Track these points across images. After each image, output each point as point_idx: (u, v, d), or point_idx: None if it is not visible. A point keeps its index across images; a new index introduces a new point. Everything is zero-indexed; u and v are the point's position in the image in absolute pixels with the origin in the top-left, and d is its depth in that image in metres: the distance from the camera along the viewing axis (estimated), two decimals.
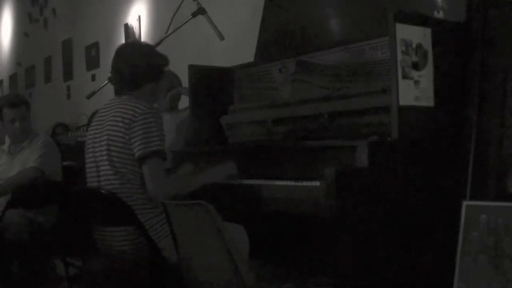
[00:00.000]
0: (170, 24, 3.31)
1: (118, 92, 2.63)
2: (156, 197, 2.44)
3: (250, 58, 3.39)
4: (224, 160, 2.81)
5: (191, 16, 3.24)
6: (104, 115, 2.57)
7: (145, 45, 2.81)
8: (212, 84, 3.34)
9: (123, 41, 6.08)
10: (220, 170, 2.69)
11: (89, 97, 3.33)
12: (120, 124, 2.47)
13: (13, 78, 9.28)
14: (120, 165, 2.47)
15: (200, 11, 3.22)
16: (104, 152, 2.49)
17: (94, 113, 5.45)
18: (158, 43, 3.18)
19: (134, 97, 2.56)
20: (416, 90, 2.37)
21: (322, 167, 2.30)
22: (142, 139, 2.43)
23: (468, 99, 2.50)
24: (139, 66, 2.59)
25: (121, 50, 2.68)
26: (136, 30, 5.89)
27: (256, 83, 3.25)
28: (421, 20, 2.43)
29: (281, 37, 3.23)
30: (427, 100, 2.41)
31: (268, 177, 2.62)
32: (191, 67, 3.31)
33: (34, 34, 8.43)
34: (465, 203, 2.34)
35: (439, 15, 2.59)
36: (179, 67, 3.51)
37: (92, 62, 6.75)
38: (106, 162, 2.49)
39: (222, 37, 3.24)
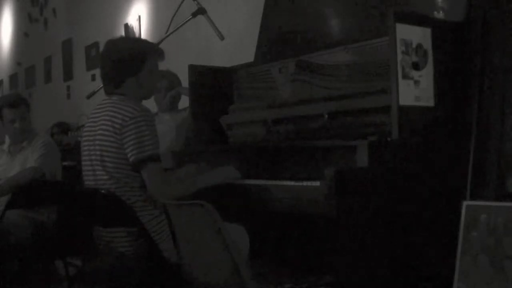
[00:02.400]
0: (170, 24, 3.31)
1: (107, 92, 2.61)
2: (157, 199, 2.43)
3: (250, 58, 3.39)
4: (225, 162, 2.80)
5: (191, 16, 3.24)
6: (96, 118, 2.54)
7: (120, 40, 2.71)
8: (212, 84, 3.34)
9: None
10: (222, 172, 2.67)
11: (89, 97, 3.34)
12: (111, 129, 2.43)
13: (13, 78, 9.28)
14: (114, 170, 2.44)
15: (200, 11, 3.23)
16: (98, 157, 2.47)
17: None
18: (158, 43, 3.18)
19: (123, 97, 2.51)
20: (416, 90, 2.37)
21: (322, 167, 2.30)
22: (134, 144, 2.39)
23: (468, 99, 2.50)
24: (112, 62, 2.53)
25: (103, 50, 2.66)
26: (136, 30, 5.89)
27: (256, 83, 3.25)
28: (421, 20, 2.43)
29: (281, 37, 3.23)
30: (427, 100, 2.41)
31: (268, 177, 2.62)
32: (191, 67, 3.31)
33: (34, 34, 8.43)
34: (465, 203, 2.34)
35: (439, 15, 2.58)
36: (179, 67, 3.52)
37: (92, 62, 6.75)
38: (100, 167, 2.46)
39: (222, 37, 3.24)
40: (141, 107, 2.50)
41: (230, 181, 2.66)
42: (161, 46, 3.12)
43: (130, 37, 2.78)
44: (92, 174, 2.52)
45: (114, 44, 2.64)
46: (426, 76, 2.41)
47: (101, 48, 6.47)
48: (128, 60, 2.54)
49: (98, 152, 2.47)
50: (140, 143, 2.39)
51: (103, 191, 2.44)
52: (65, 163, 4.15)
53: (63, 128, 6.36)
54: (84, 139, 2.60)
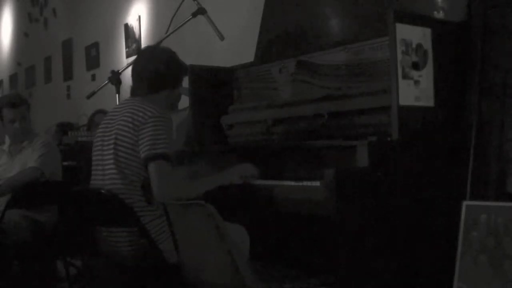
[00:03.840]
0: (170, 24, 3.31)
1: (133, 93, 2.64)
2: (161, 199, 2.41)
3: (250, 58, 3.39)
4: (225, 162, 2.79)
5: (191, 16, 3.24)
6: (116, 115, 2.57)
7: (169, 51, 2.75)
8: (212, 84, 3.34)
9: (123, 41, 6.08)
10: (237, 170, 2.60)
11: (89, 97, 3.33)
12: (130, 125, 2.47)
13: (13, 78, 9.28)
14: (125, 165, 2.46)
15: (200, 11, 3.22)
16: (111, 151, 2.49)
17: (94, 113, 5.47)
18: (158, 43, 3.18)
19: (148, 100, 2.55)
20: (416, 90, 2.37)
21: (322, 167, 2.30)
22: (149, 141, 2.42)
23: (468, 99, 2.50)
24: (161, 71, 2.58)
25: (144, 52, 2.69)
26: (136, 30, 5.89)
27: (256, 83, 3.25)
28: (421, 20, 2.43)
29: (281, 37, 3.23)
30: (427, 100, 2.41)
31: (268, 177, 2.62)
32: (191, 67, 3.31)
33: (34, 34, 8.43)
34: (465, 203, 2.34)
35: (439, 15, 2.59)
36: None
37: (92, 62, 6.75)
38: (112, 161, 2.48)
39: (222, 37, 3.23)
40: (162, 109, 2.54)
41: (247, 179, 2.61)
42: None
43: (173, 50, 2.79)
44: (101, 169, 2.53)
45: (165, 53, 2.67)
46: (426, 76, 2.40)
47: (101, 48, 6.53)
48: (175, 74, 2.64)
49: (112, 146, 2.49)
50: (154, 140, 2.42)
51: (103, 191, 2.45)
52: (65, 163, 4.15)
53: (65, 128, 6.36)
54: (98, 135, 2.61)
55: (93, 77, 6.67)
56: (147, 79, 2.59)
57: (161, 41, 3.22)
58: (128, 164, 2.47)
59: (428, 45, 2.41)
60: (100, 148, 2.56)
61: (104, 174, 2.51)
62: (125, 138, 2.47)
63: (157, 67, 2.58)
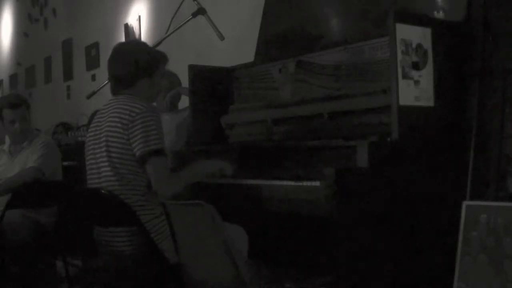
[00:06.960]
0: (170, 24, 3.31)
1: (114, 93, 2.63)
2: (162, 194, 2.43)
3: (250, 58, 3.39)
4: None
5: (191, 16, 3.24)
6: (103, 116, 2.56)
7: (134, 43, 2.75)
8: (212, 84, 3.34)
9: (123, 41, 6.08)
10: (213, 164, 2.65)
11: (89, 97, 3.33)
12: (119, 125, 2.46)
13: (13, 78, 9.28)
14: (120, 166, 2.46)
15: (200, 11, 3.22)
16: (104, 153, 2.49)
17: (94, 113, 5.46)
18: (158, 43, 3.18)
19: (131, 96, 2.55)
20: (416, 90, 2.37)
21: (322, 167, 2.30)
22: (141, 139, 2.42)
23: (468, 99, 2.50)
24: (128, 63, 2.56)
25: (112, 52, 2.69)
26: (136, 30, 5.89)
27: (256, 83, 3.25)
28: (421, 20, 2.43)
29: (281, 37, 3.23)
30: (427, 100, 2.41)
31: (268, 177, 2.62)
32: (191, 67, 3.31)
33: (34, 34, 8.43)
34: (465, 203, 2.34)
35: (439, 15, 2.59)
36: (179, 67, 3.52)
37: (92, 62, 6.75)
38: (106, 163, 2.48)
39: (222, 37, 3.23)
40: (149, 104, 2.54)
41: (218, 174, 2.62)
42: (161, 46, 3.13)
43: (142, 41, 2.80)
44: (96, 172, 2.53)
45: (129, 46, 2.68)
46: (426, 76, 2.41)
47: (101, 48, 6.53)
48: (146, 62, 2.60)
49: (104, 148, 2.49)
50: (146, 137, 2.42)
51: (103, 191, 2.45)
52: (65, 163, 4.15)
53: (65, 128, 6.36)
54: (89, 137, 2.61)
55: (93, 77, 6.67)
56: (118, 76, 2.59)
57: (161, 41, 3.22)
58: (123, 164, 2.46)
59: (428, 45, 2.41)
60: (93, 151, 2.56)
61: (100, 176, 2.51)
62: (116, 138, 2.47)
63: (124, 61, 2.58)
